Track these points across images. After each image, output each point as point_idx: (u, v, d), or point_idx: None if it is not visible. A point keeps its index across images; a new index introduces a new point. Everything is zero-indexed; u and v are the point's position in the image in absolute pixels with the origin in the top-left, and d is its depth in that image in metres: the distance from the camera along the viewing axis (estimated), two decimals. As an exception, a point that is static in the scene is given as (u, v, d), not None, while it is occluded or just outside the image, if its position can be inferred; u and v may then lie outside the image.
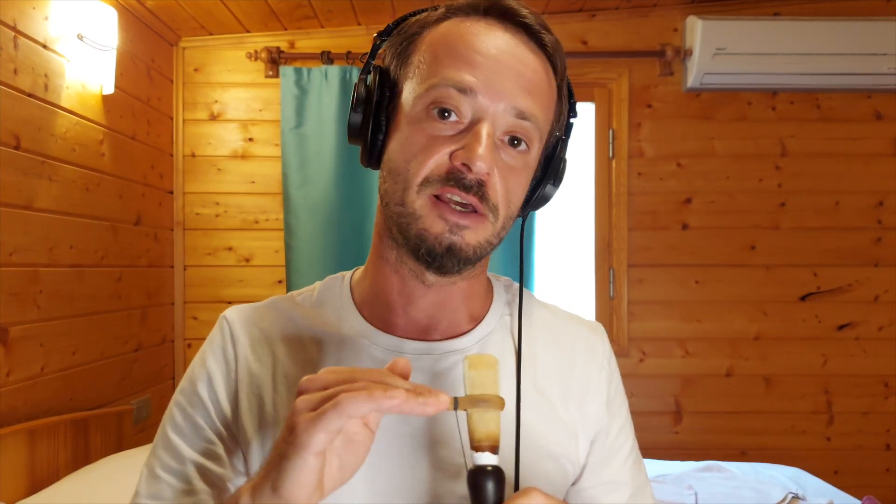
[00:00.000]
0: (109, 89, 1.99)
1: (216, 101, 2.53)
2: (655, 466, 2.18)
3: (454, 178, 0.57)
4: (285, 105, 2.43)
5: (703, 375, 2.55)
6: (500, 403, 0.50)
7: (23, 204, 1.66)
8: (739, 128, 2.56)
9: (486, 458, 0.48)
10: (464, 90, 0.57)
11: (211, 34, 2.50)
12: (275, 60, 2.47)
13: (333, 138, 2.41)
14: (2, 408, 1.56)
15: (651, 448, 2.46)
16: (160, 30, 2.39)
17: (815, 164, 2.56)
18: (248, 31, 2.51)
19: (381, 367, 0.55)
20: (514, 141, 0.60)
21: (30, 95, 1.69)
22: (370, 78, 0.64)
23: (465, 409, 0.49)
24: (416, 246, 0.59)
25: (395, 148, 0.61)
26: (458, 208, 0.57)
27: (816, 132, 2.55)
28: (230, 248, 2.55)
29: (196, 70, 2.53)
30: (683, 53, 2.48)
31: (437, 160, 0.58)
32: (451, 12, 0.63)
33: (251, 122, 2.54)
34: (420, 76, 0.60)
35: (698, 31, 2.37)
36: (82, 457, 1.80)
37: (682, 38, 2.52)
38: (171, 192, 2.52)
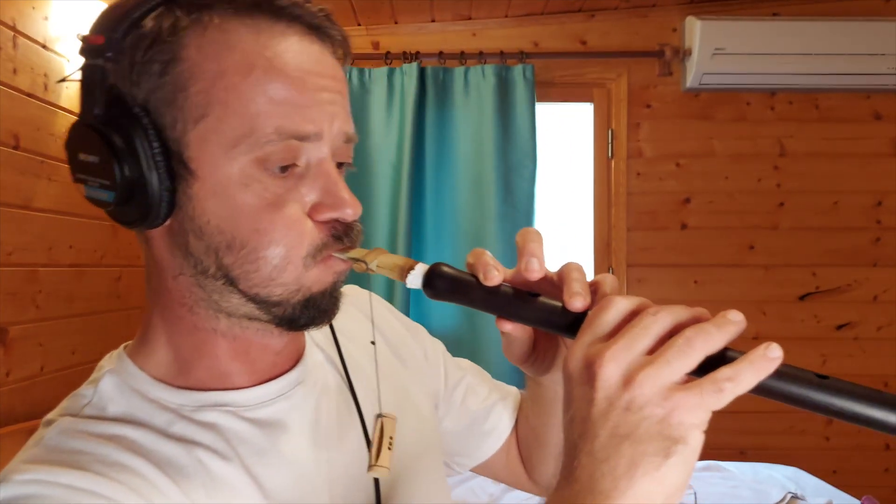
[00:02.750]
0: (109, 89, 1.99)
1: (215, 101, 2.53)
2: (654, 466, 2.18)
3: (336, 237, 0.52)
4: (285, 105, 2.42)
5: (702, 375, 2.55)
6: (379, 248, 0.52)
7: (22, 203, 1.66)
8: (738, 128, 2.56)
9: (419, 271, 0.49)
10: (304, 138, 0.49)
11: (210, 34, 2.50)
12: (274, 60, 2.47)
13: (333, 138, 2.41)
14: (1, 407, 1.56)
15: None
16: (159, 30, 2.39)
17: (814, 165, 2.56)
18: (247, 31, 2.51)
19: (260, 437, 0.53)
20: (339, 165, 0.54)
21: (29, 95, 1.69)
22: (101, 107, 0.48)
23: (371, 266, 0.50)
24: (294, 315, 0.52)
25: (218, 212, 0.49)
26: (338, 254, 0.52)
27: (815, 132, 2.55)
28: (229, 248, 2.55)
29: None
30: (682, 53, 2.48)
31: (304, 224, 0.50)
32: (213, 7, 0.49)
33: (250, 122, 2.54)
34: (224, 119, 0.48)
35: (697, 31, 2.37)
36: (81, 456, 1.80)
37: (681, 38, 2.52)
38: (171, 192, 2.52)
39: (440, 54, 2.43)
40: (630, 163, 2.56)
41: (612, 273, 2.56)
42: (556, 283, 0.46)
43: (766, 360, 0.39)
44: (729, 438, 2.54)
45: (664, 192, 2.56)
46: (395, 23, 2.51)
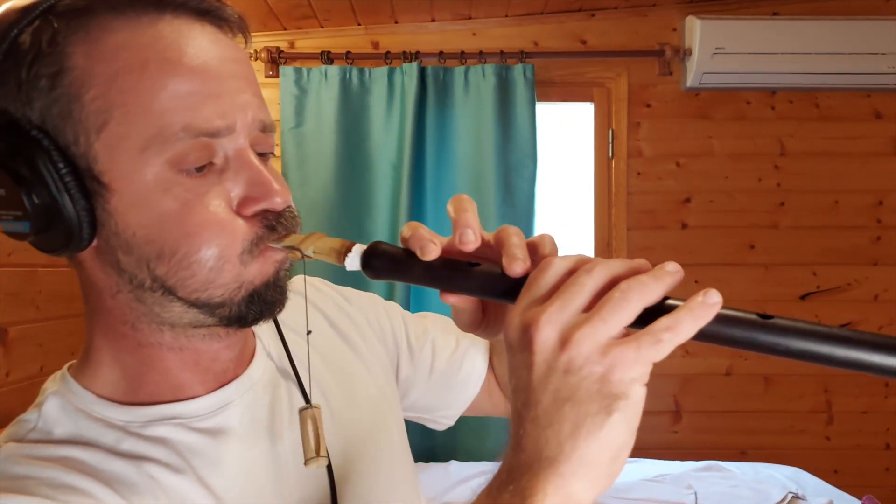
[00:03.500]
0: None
1: (215, 101, 2.53)
2: (655, 466, 2.18)
3: (270, 227, 0.50)
4: (285, 105, 2.43)
5: (703, 375, 2.55)
6: (316, 233, 0.51)
7: (22, 204, 1.66)
8: (738, 127, 2.56)
9: (357, 252, 0.47)
10: (216, 134, 0.47)
11: (210, 34, 2.50)
12: (274, 60, 2.47)
13: (333, 138, 2.41)
14: (0, 408, 1.56)
15: (650, 448, 2.46)
16: (159, 30, 2.39)
17: (815, 164, 2.55)
18: (247, 31, 2.51)
19: (212, 446, 0.52)
20: (261, 155, 0.51)
21: (29, 95, 1.69)
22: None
23: (307, 252, 0.49)
24: (241, 313, 0.50)
25: (142, 222, 0.47)
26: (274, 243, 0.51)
27: (815, 131, 2.55)
28: (229, 248, 2.55)
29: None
30: (682, 53, 2.48)
31: (233, 221, 0.48)
32: (93, 10, 0.46)
33: (250, 122, 2.54)
34: (126, 123, 0.45)
35: (697, 30, 2.37)
36: (82, 457, 1.80)
37: (681, 37, 2.52)
38: (171, 192, 2.52)
39: (440, 54, 2.43)
40: (630, 162, 2.56)
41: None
42: (494, 248, 0.45)
43: (705, 307, 0.37)
44: (729, 438, 2.54)
45: (664, 191, 2.56)
46: (395, 22, 2.51)
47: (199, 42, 0.47)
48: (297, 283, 0.71)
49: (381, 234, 2.43)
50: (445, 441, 2.40)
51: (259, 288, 0.50)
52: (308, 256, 0.49)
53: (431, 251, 0.44)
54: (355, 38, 2.52)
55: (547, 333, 0.37)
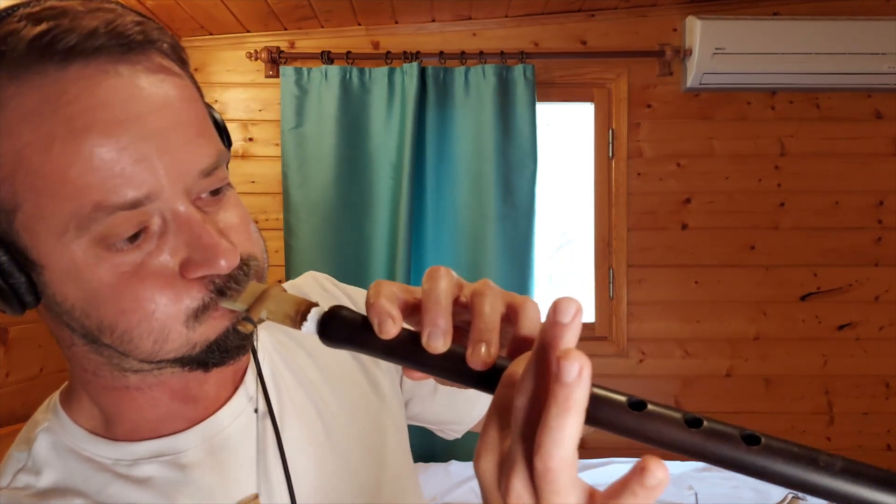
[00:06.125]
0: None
1: (216, 101, 2.53)
2: (655, 466, 2.18)
3: (218, 291, 0.45)
4: (285, 105, 2.43)
5: (703, 376, 2.55)
6: (275, 286, 0.45)
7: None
8: (739, 127, 2.56)
9: (313, 320, 0.42)
10: (136, 205, 0.41)
11: (211, 34, 2.50)
12: (275, 60, 2.47)
13: (333, 138, 2.41)
14: (0, 408, 1.56)
15: (650, 448, 2.45)
16: (159, 30, 2.38)
17: (815, 164, 2.55)
18: (248, 31, 2.51)
19: (199, 482, 0.51)
20: (216, 192, 0.47)
21: None
22: None
23: (261, 317, 0.44)
24: (202, 359, 0.48)
25: (78, 295, 0.44)
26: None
27: (816, 132, 2.55)
28: (230, 249, 2.55)
29: (196, 70, 2.53)
30: (683, 53, 2.48)
31: (174, 289, 0.44)
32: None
33: (251, 122, 2.54)
34: (40, 206, 0.41)
35: (697, 30, 2.37)
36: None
37: (682, 37, 2.52)
38: (171, 193, 2.52)
39: (440, 54, 2.43)
40: (630, 163, 2.56)
41: (613, 273, 2.56)
42: (469, 310, 0.39)
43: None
44: (730, 439, 2.54)
45: (664, 191, 2.56)
46: (396, 23, 2.51)
47: (113, 97, 0.41)
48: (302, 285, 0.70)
49: (380, 234, 2.43)
50: (445, 441, 2.39)
51: (216, 341, 0.47)
52: (261, 320, 0.44)
53: (389, 331, 0.38)
54: (356, 39, 2.52)
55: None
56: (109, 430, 0.53)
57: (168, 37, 0.45)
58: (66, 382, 0.56)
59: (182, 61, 0.47)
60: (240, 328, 0.46)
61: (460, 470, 2.17)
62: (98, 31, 0.40)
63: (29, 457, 0.51)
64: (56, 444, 0.52)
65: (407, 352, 0.39)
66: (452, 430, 0.79)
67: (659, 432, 0.32)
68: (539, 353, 0.30)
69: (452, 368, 0.38)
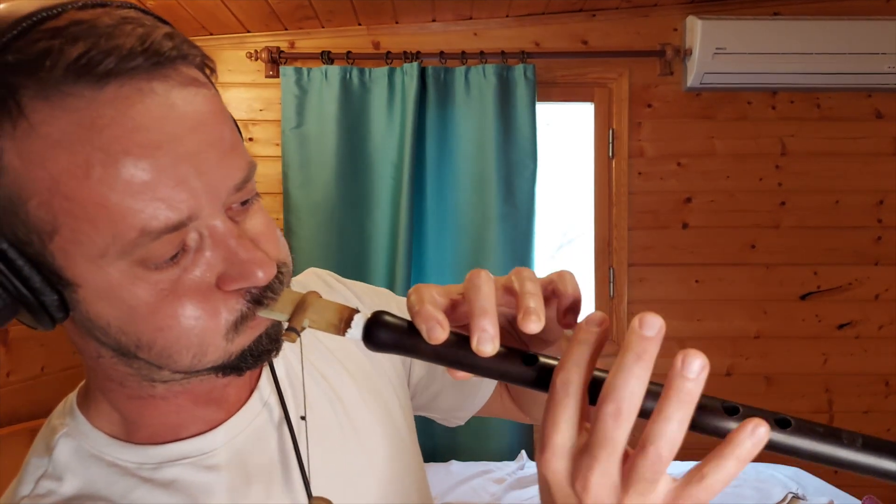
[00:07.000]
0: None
1: (216, 102, 2.53)
2: (656, 466, 2.18)
3: (256, 301, 0.46)
4: (286, 105, 2.43)
5: (704, 375, 2.55)
6: (311, 294, 0.46)
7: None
8: (739, 127, 2.56)
9: (357, 326, 0.43)
10: (179, 227, 0.41)
11: (211, 34, 2.50)
12: (275, 60, 2.47)
13: (334, 138, 2.41)
14: (2, 408, 1.56)
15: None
16: (160, 30, 2.39)
17: (816, 164, 2.56)
18: (248, 32, 2.51)
19: (223, 483, 0.51)
20: (244, 203, 0.47)
21: None
22: None
23: (303, 325, 0.45)
24: (235, 364, 0.48)
25: (114, 314, 0.44)
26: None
27: (816, 131, 2.55)
28: (231, 248, 2.55)
29: (196, 70, 2.53)
30: (683, 53, 2.48)
31: (213, 302, 0.44)
32: (18, 92, 0.38)
33: (252, 122, 2.54)
34: (78, 231, 0.41)
35: (698, 30, 2.37)
36: (83, 457, 1.80)
37: (682, 37, 2.52)
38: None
39: (441, 54, 2.43)
40: (631, 162, 2.56)
41: (613, 273, 2.56)
42: (510, 296, 0.43)
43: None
44: (730, 438, 2.54)
45: (665, 191, 2.56)
46: (396, 23, 2.51)
47: (147, 118, 0.40)
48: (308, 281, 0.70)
49: (381, 234, 2.43)
50: (445, 441, 2.40)
51: (249, 347, 0.48)
52: (302, 329, 0.45)
53: (438, 336, 0.40)
54: (356, 39, 2.52)
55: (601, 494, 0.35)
56: (130, 434, 0.53)
57: (198, 50, 0.45)
58: (80, 386, 0.56)
59: (210, 70, 0.47)
60: (284, 339, 0.45)
61: (460, 470, 2.17)
62: (135, 51, 0.39)
63: (50, 462, 0.51)
64: (77, 449, 0.51)
65: (456, 355, 0.41)
66: (456, 418, 0.80)
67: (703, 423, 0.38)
68: (625, 357, 0.36)
69: (500, 369, 0.41)
